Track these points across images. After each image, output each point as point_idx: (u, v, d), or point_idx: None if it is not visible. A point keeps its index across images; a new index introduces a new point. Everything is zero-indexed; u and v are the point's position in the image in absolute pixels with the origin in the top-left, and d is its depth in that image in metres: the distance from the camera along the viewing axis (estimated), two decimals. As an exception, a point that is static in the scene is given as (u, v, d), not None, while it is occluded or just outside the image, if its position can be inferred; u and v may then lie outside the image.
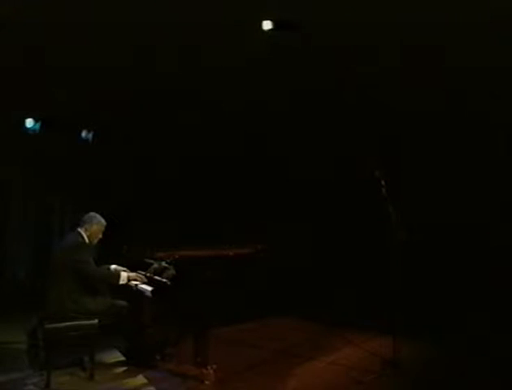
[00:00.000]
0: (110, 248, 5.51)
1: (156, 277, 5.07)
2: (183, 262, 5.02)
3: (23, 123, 7.64)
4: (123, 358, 5.33)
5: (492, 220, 6.38)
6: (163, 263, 5.10)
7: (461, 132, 6.40)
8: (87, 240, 5.08)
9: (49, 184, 8.31)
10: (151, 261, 5.31)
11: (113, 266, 5.27)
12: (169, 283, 4.86)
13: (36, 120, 7.67)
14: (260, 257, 5.70)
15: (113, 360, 5.34)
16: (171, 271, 4.96)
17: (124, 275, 5.06)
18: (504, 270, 6.16)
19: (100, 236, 5.19)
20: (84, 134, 8.10)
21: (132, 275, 5.12)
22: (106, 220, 5.22)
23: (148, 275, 5.17)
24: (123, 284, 5.09)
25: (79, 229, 5.11)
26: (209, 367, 4.79)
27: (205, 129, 7.72)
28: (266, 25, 5.19)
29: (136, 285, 5.10)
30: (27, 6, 4.78)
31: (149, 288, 5.01)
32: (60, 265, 4.94)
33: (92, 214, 5.19)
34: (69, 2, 4.74)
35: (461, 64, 5.59)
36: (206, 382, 4.70)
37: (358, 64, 5.85)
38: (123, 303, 5.06)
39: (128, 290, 5.18)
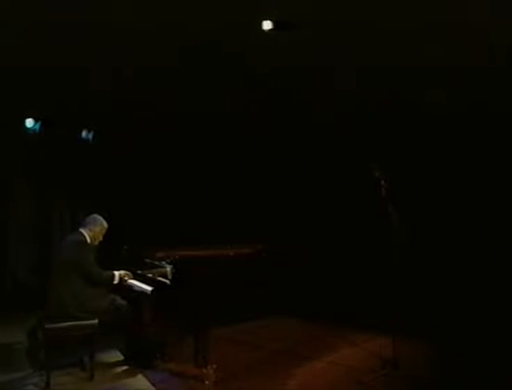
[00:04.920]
0: (111, 248, 5.52)
1: (154, 276, 5.10)
2: (183, 262, 5.02)
3: (23, 123, 7.64)
4: (123, 358, 5.34)
5: (492, 220, 6.38)
6: (163, 263, 5.11)
7: (460, 131, 6.40)
8: (89, 241, 5.11)
9: (50, 184, 8.31)
10: (151, 260, 5.32)
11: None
12: (168, 282, 4.88)
13: (36, 120, 7.68)
14: (260, 258, 5.70)
15: (113, 360, 5.35)
16: (161, 269, 4.99)
17: (117, 274, 5.12)
18: (504, 270, 6.16)
19: (101, 238, 5.26)
20: (84, 134, 8.11)
21: (122, 272, 5.17)
22: (105, 220, 5.26)
23: (149, 275, 5.18)
24: (122, 285, 5.14)
25: (81, 229, 5.16)
26: (209, 367, 4.80)
27: (204, 129, 7.72)
28: (267, 25, 5.19)
29: (126, 281, 5.17)
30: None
31: (149, 288, 5.02)
32: (62, 263, 4.97)
33: (95, 215, 5.27)
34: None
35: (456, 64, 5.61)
36: (206, 382, 4.71)
37: (358, 64, 5.85)
38: (122, 302, 5.07)
39: (128, 290, 5.20)
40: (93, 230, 5.16)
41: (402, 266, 4.92)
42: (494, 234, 6.33)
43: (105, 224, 5.25)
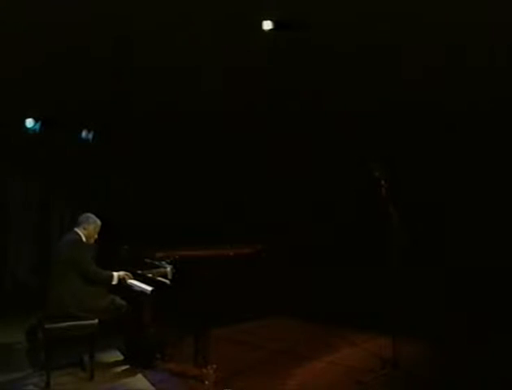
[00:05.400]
0: (110, 248, 5.52)
1: (154, 276, 5.10)
2: (183, 262, 5.02)
3: (24, 123, 7.64)
4: (123, 358, 5.34)
5: (492, 220, 6.38)
6: (163, 263, 5.11)
7: (460, 131, 6.40)
8: (84, 239, 5.13)
9: (49, 184, 8.31)
10: (151, 260, 5.32)
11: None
12: (168, 282, 4.89)
13: (36, 120, 7.68)
14: (260, 258, 5.70)
15: (113, 360, 5.34)
16: (161, 269, 5.00)
17: (115, 275, 5.12)
18: (504, 270, 6.16)
19: (96, 236, 5.26)
20: (84, 134, 8.11)
21: (121, 273, 5.16)
22: (105, 220, 5.26)
23: (149, 275, 5.19)
24: (121, 285, 5.14)
25: (76, 229, 5.17)
26: (209, 367, 4.80)
27: (204, 129, 7.72)
28: (267, 25, 5.20)
29: (126, 281, 5.17)
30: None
31: (149, 288, 5.02)
32: (59, 263, 4.98)
33: (88, 214, 5.29)
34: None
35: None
36: (206, 382, 4.71)
37: (359, 64, 5.85)
38: (122, 302, 5.08)
39: (128, 290, 5.20)
40: (87, 228, 5.18)
41: (402, 266, 4.92)
42: (494, 234, 6.33)
43: (98, 222, 5.26)
